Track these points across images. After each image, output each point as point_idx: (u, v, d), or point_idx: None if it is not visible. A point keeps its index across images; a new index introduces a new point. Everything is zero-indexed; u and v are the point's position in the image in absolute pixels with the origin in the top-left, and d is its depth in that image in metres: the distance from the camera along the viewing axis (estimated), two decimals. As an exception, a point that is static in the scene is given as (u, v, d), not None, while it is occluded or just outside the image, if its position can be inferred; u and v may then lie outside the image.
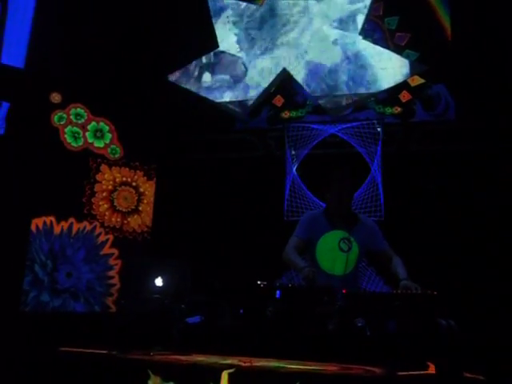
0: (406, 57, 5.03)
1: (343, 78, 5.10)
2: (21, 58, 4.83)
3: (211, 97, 5.38)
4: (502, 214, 4.48)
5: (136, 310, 2.84)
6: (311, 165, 5.11)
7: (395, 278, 3.25)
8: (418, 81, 5.07)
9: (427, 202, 4.75)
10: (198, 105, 5.42)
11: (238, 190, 5.22)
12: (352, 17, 5.14)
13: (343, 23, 5.16)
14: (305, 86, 5.19)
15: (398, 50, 5.07)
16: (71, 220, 4.84)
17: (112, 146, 5.13)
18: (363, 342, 2.35)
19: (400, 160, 4.97)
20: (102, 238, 4.94)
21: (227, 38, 5.39)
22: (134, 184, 5.17)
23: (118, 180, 5.11)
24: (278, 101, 5.44)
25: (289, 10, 5.28)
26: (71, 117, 4.98)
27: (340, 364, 2.16)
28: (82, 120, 5.04)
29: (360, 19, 5.11)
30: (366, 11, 5.08)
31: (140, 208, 5.16)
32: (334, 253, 3.34)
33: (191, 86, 5.41)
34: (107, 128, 5.12)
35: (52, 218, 4.76)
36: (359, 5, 5.12)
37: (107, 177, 5.07)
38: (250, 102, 5.31)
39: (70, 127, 4.96)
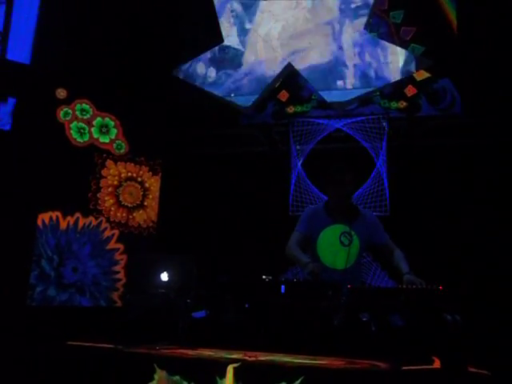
0: (412, 51, 5.01)
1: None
2: (26, 54, 4.85)
3: (216, 92, 5.38)
4: (507, 209, 4.47)
5: (142, 304, 2.84)
6: (316, 159, 5.10)
7: (397, 271, 3.25)
8: (423, 75, 5.04)
9: (432, 196, 4.74)
10: (203, 100, 5.42)
11: (243, 185, 5.22)
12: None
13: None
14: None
15: (403, 44, 5.04)
16: (77, 215, 4.86)
17: (117, 142, 5.13)
18: (368, 337, 2.35)
19: (405, 155, 4.95)
20: (107, 233, 4.96)
21: (232, 32, 5.38)
22: (139, 179, 5.18)
23: (123, 175, 5.12)
24: (283, 96, 5.43)
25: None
26: (77, 112, 4.99)
27: (345, 358, 2.16)
28: (88, 115, 5.05)
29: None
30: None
31: (145, 203, 5.17)
32: (334, 247, 3.34)
33: (196, 81, 5.41)
34: (112, 123, 5.13)
35: (58, 214, 4.78)
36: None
37: (113, 172, 5.08)
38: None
39: (75, 123, 4.98)
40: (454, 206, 4.65)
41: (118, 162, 5.12)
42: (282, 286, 2.67)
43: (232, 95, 5.32)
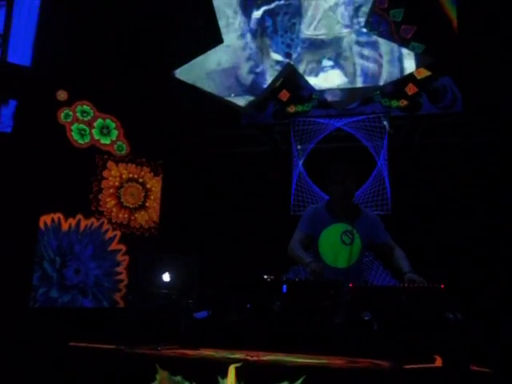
0: (412, 49, 5.00)
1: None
2: (27, 57, 4.86)
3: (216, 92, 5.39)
4: (509, 207, 4.45)
5: (144, 305, 2.85)
6: (317, 159, 5.10)
7: (398, 270, 3.25)
8: (424, 73, 5.03)
9: (434, 195, 4.73)
10: (204, 100, 5.42)
11: (244, 185, 5.22)
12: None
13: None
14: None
15: (403, 42, 5.03)
16: (79, 217, 4.87)
17: (118, 143, 5.14)
18: (370, 336, 2.35)
19: (407, 153, 4.94)
20: (109, 235, 4.96)
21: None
22: (140, 180, 5.18)
23: (124, 176, 5.13)
24: (284, 95, 5.43)
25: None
26: (77, 114, 5.00)
27: (347, 358, 2.16)
28: (89, 117, 5.05)
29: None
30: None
31: (147, 204, 5.17)
32: (336, 246, 3.34)
33: (197, 82, 5.41)
34: (113, 125, 5.13)
35: (60, 215, 4.78)
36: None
37: (114, 173, 5.09)
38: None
39: (76, 124, 4.98)
40: (455, 204, 4.64)
41: (119, 164, 5.12)
42: (284, 286, 2.67)
43: (232, 95, 5.31)
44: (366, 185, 4.90)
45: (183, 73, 5.37)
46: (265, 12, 5.34)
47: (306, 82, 5.22)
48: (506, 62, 4.69)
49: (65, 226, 4.79)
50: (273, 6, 5.32)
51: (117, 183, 5.09)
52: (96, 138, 5.05)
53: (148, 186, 5.20)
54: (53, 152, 4.79)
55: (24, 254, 4.58)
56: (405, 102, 5.09)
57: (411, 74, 5.01)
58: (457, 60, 4.89)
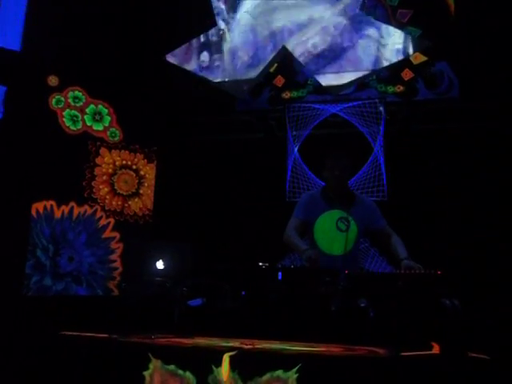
0: (409, 33, 4.94)
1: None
2: (16, 41, 4.76)
3: (210, 77, 5.32)
4: (506, 193, 4.44)
5: (137, 293, 2.82)
6: (313, 145, 5.06)
7: (395, 257, 3.23)
8: (420, 58, 4.98)
9: (430, 181, 4.71)
10: (198, 86, 5.36)
11: (239, 172, 5.19)
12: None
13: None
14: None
15: (400, 26, 4.97)
16: (72, 204, 4.81)
17: (111, 129, 5.07)
18: (366, 323, 2.33)
19: (403, 139, 4.91)
20: (103, 222, 4.92)
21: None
22: (134, 167, 5.13)
23: (118, 163, 5.07)
24: (279, 81, 5.37)
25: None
26: (69, 100, 4.93)
27: (343, 345, 2.14)
28: (81, 103, 4.98)
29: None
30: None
31: (141, 191, 5.12)
32: (332, 233, 3.33)
33: (189, 66, 5.33)
34: (106, 111, 5.06)
35: (52, 203, 4.73)
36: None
37: (107, 160, 5.03)
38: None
39: (68, 110, 4.91)
40: (451, 190, 4.62)
41: (113, 150, 5.06)
42: (279, 273, 2.64)
43: (226, 79, 5.25)
44: (362, 171, 4.87)
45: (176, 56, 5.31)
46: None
47: (301, 66, 5.16)
48: (502, 48, 4.64)
49: (58, 214, 4.74)
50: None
51: (110, 170, 5.03)
52: (88, 124, 4.98)
53: (142, 172, 5.15)
54: (44, 139, 4.72)
55: (17, 242, 4.53)
56: (401, 88, 5.04)
57: (407, 59, 4.96)
58: (453, 45, 4.84)
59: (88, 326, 2.50)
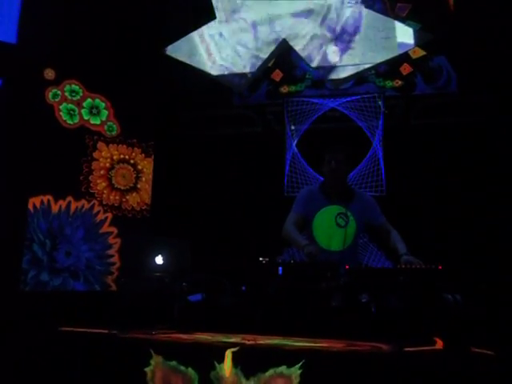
0: (408, 27, 4.92)
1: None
2: (12, 33, 4.70)
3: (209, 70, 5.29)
4: (505, 186, 4.44)
5: (136, 288, 2.80)
6: (311, 140, 5.05)
7: (394, 252, 3.22)
8: (419, 53, 4.98)
9: (429, 176, 4.70)
10: (196, 80, 5.32)
11: (237, 166, 5.17)
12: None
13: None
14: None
15: (399, 20, 4.95)
16: (69, 199, 4.78)
17: (109, 123, 5.03)
18: (368, 318, 2.31)
19: (401, 134, 4.90)
20: (100, 217, 4.88)
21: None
22: (131, 161, 5.10)
23: (115, 157, 5.03)
24: (277, 75, 5.35)
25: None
26: (66, 93, 4.88)
27: (345, 341, 2.13)
28: (78, 97, 4.93)
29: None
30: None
31: (138, 185, 5.09)
32: (330, 228, 3.31)
33: (188, 60, 5.30)
34: (103, 105, 5.02)
35: (49, 197, 4.69)
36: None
37: (104, 154, 4.99)
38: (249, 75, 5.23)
39: (65, 104, 4.86)
40: (450, 184, 4.62)
41: (110, 144, 5.02)
42: (280, 268, 2.63)
43: (225, 72, 5.22)
44: (361, 166, 4.86)
45: (175, 50, 5.26)
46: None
47: (300, 60, 5.13)
48: (500, 42, 4.63)
49: (55, 208, 4.71)
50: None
51: (108, 164, 5.00)
52: (85, 118, 4.94)
53: (139, 167, 5.11)
54: (41, 133, 4.67)
55: (13, 237, 4.49)
56: (399, 82, 5.04)
57: (406, 54, 4.95)
58: (452, 39, 4.83)
59: (86, 322, 2.48)
